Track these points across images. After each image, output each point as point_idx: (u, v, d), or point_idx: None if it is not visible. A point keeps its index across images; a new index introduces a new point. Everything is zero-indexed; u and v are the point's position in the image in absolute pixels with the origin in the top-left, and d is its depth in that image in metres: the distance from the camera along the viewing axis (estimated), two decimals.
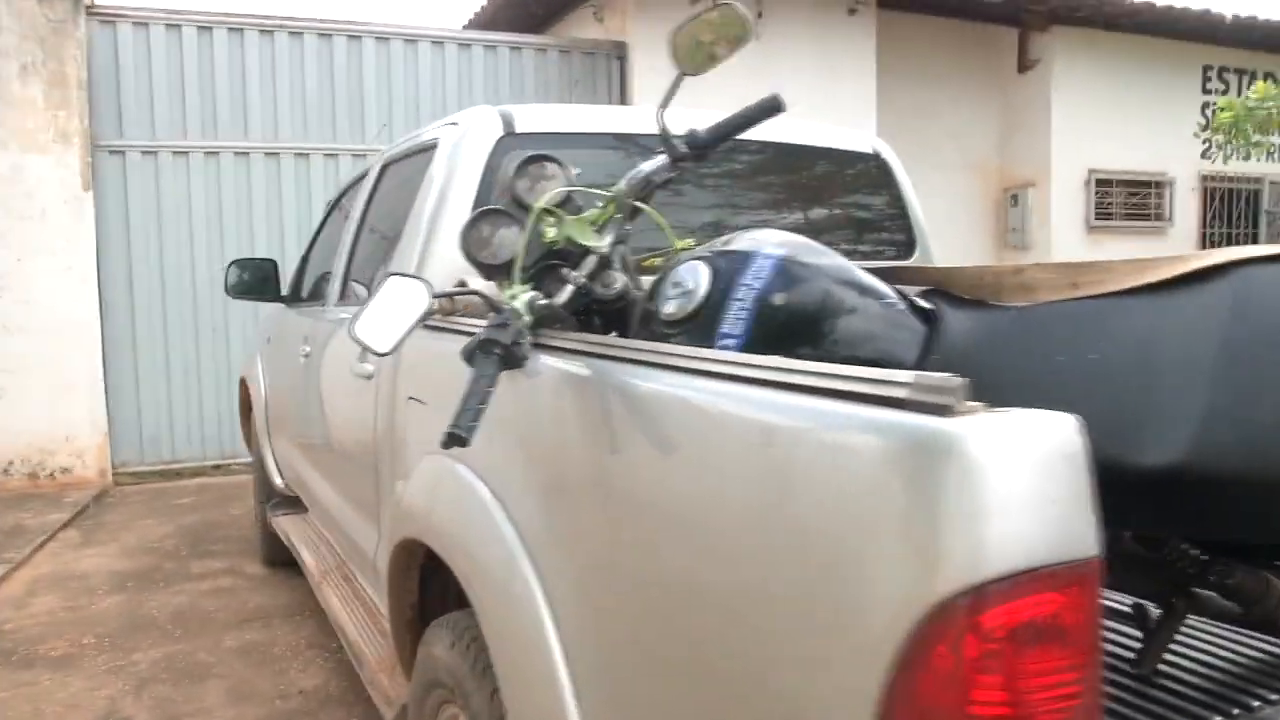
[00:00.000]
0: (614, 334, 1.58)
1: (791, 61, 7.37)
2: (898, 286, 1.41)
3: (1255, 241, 9.99)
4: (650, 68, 7.16)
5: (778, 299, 1.31)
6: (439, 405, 1.99)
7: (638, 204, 1.61)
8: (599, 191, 1.62)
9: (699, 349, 1.20)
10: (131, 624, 3.90)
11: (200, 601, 4.16)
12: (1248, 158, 7.33)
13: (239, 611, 4.05)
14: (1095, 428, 0.99)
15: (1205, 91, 9.64)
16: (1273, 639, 1.51)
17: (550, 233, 1.52)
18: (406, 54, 6.79)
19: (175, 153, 6.35)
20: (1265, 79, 9.20)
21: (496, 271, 1.54)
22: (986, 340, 1.26)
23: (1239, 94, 9.03)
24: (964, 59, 8.95)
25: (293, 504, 4.11)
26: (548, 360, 1.43)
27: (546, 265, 1.56)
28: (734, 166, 2.81)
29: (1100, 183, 9.00)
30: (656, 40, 7.17)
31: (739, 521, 1.01)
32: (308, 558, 3.48)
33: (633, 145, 2.52)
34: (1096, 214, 8.99)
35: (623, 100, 7.24)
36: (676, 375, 1.14)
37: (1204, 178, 9.53)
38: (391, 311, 1.37)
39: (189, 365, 6.49)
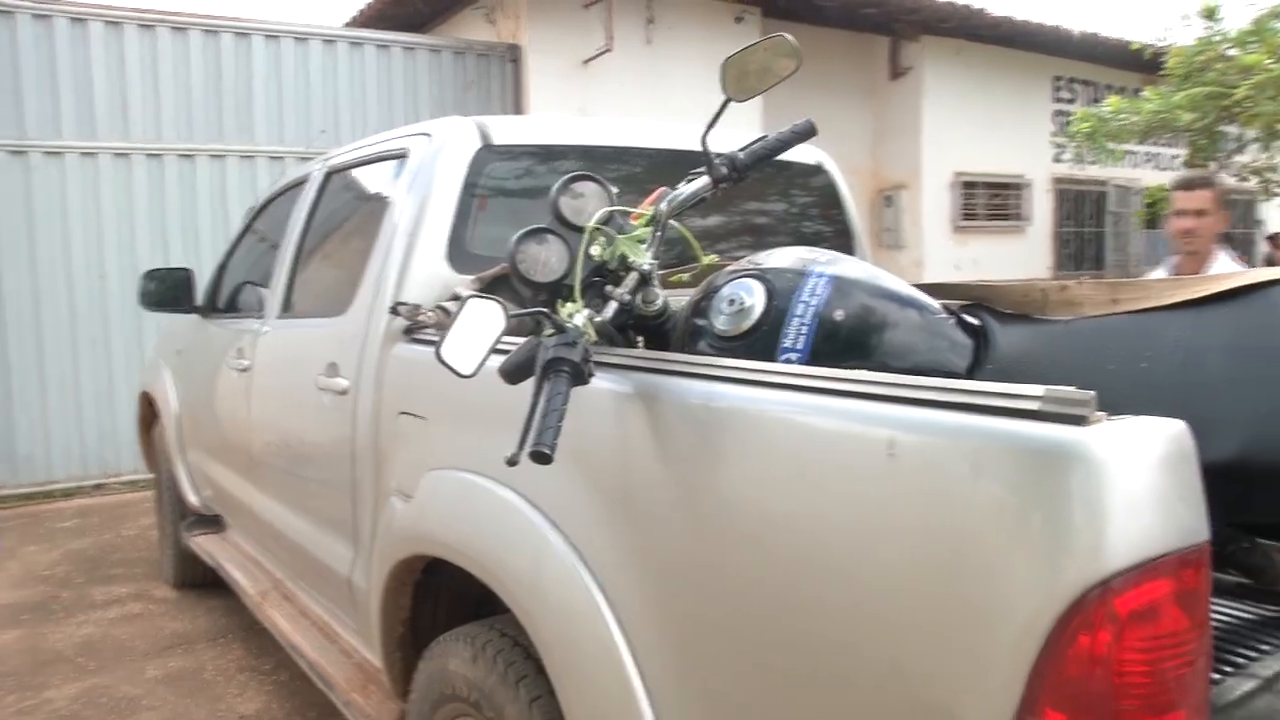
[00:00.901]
0: (652, 348, 1.63)
1: (682, 68, 7.52)
2: (943, 301, 1.52)
3: (1101, 238, 10.75)
4: (545, 71, 7.19)
5: (838, 315, 1.39)
6: (442, 419, 1.99)
7: (674, 222, 1.66)
8: (634, 210, 1.67)
9: (786, 365, 1.28)
10: (35, 660, 3.67)
11: (111, 630, 3.97)
12: (1104, 165, 7.90)
13: (157, 639, 3.88)
14: None
15: (1056, 100, 10.32)
16: (1263, 605, 1.69)
17: (599, 251, 1.56)
18: (297, 53, 6.60)
19: (47, 153, 5.99)
20: (1107, 90, 9.95)
21: (541, 290, 1.57)
22: (1039, 351, 1.38)
23: (1085, 103, 9.73)
24: (840, 66, 9.32)
25: (209, 522, 3.97)
26: (604, 377, 1.47)
27: (589, 283, 1.60)
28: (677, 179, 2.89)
29: (966, 184, 9.52)
30: (551, 44, 7.24)
31: (857, 527, 1.09)
32: (240, 578, 3.37)
33: (602, 158, 2.57)
34: (963, 214, 9.51)
35: (517, 103, 7.23)
36: (775, 391, 1.21)
37: (1056, 180, 10.20)
38: (472, 333, 1.39)
39: (66, 381, 6.14)
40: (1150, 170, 10.92)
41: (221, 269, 3.88)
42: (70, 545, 5.21)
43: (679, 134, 2.60)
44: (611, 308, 1.55)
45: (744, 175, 1.64)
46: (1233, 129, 7.59)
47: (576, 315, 1.45)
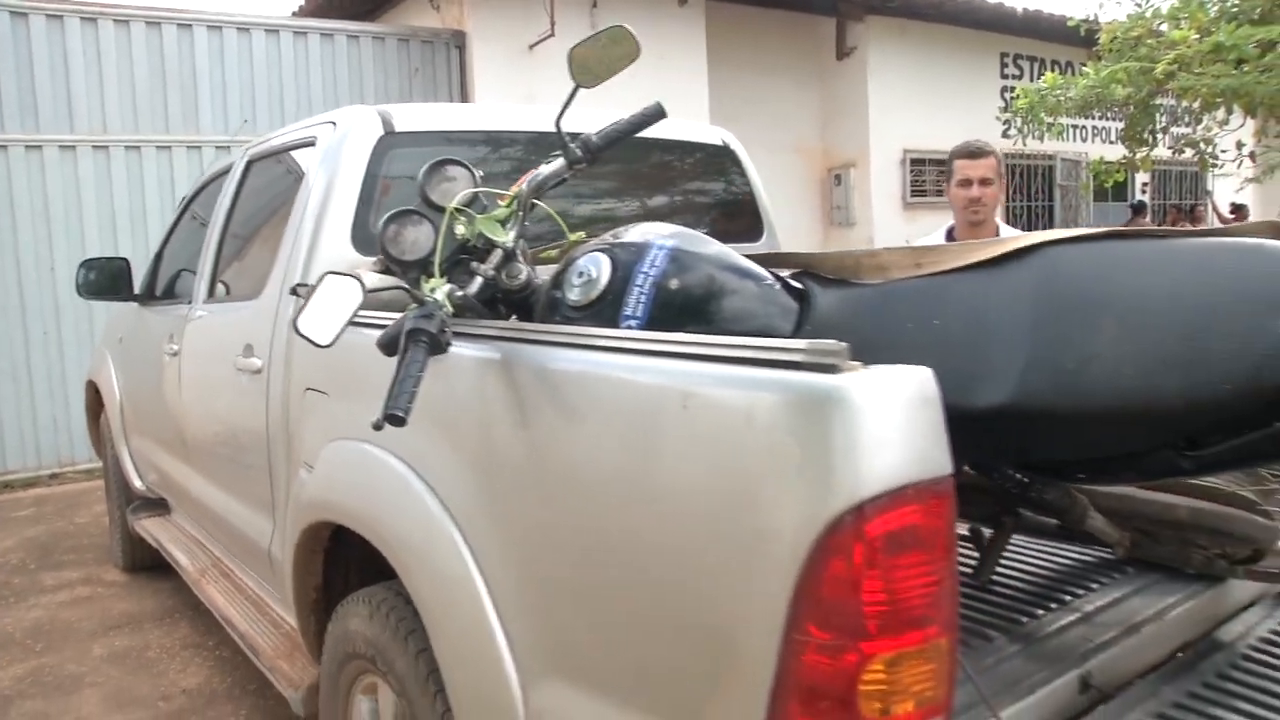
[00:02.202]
0: (516, 319, 1.74)
1: None
2: (772, 269, 1.64)
3: (1051, 211, 10.94)
4: (490, 58, 7.25)
5: (673, 284, 1.51)
6: (342, 394, 2.10)
7: (536, 201, 1.77)
8: (499, 191, 1.78)
9: (618, 330, 1.39)
10: None
11: (59, 613, 4.05)
12: (1042, 139, 8.04)
13: (104, 619, 3.96)
14: (941, 381, 1.25)
15: (1003, 77, 10.48)
16: (1080, 548, 1.83)
17: (462, 230, 1.67)
18: (240, 43, 6.63)
19: None
20: (1054, 66, 10.10)
21: (411, 267, 1.67)
22: (851, 312, 1.50)
23: (1031, 79, 9.88)
24: (787, 47, 9.42)
25: (154, 506, 4.05)
26: (466, 347, 1.58)
27: (455, 260, 1.71)
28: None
29: (914, 162, 9.66)
30: (495, 29, 7.30)
31: (663, 471, 1.21)
32: (181, 558, 3.47)
33: (505, 142, 2.67)
34: (912, 191, 9.66)
35: (463, 90, 7.29)
36: (601, 354, 1.32)
37: (1006, 155, 10.32)
38: (329, 307, 1.49)
39: (19, 371, 6.18)
40: (1098, 144, 11.11)
41: (158, 257, 3.95)
42: (25, 533, 5.28)
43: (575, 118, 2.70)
44: (477, 283, 1.66)
45: (598, 157, 1.74)
46: (1168, 102, 7.76)
47: (437, 290, 1.56)
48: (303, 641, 2.37)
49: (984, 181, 3.20)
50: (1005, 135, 10.09)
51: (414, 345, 1.44)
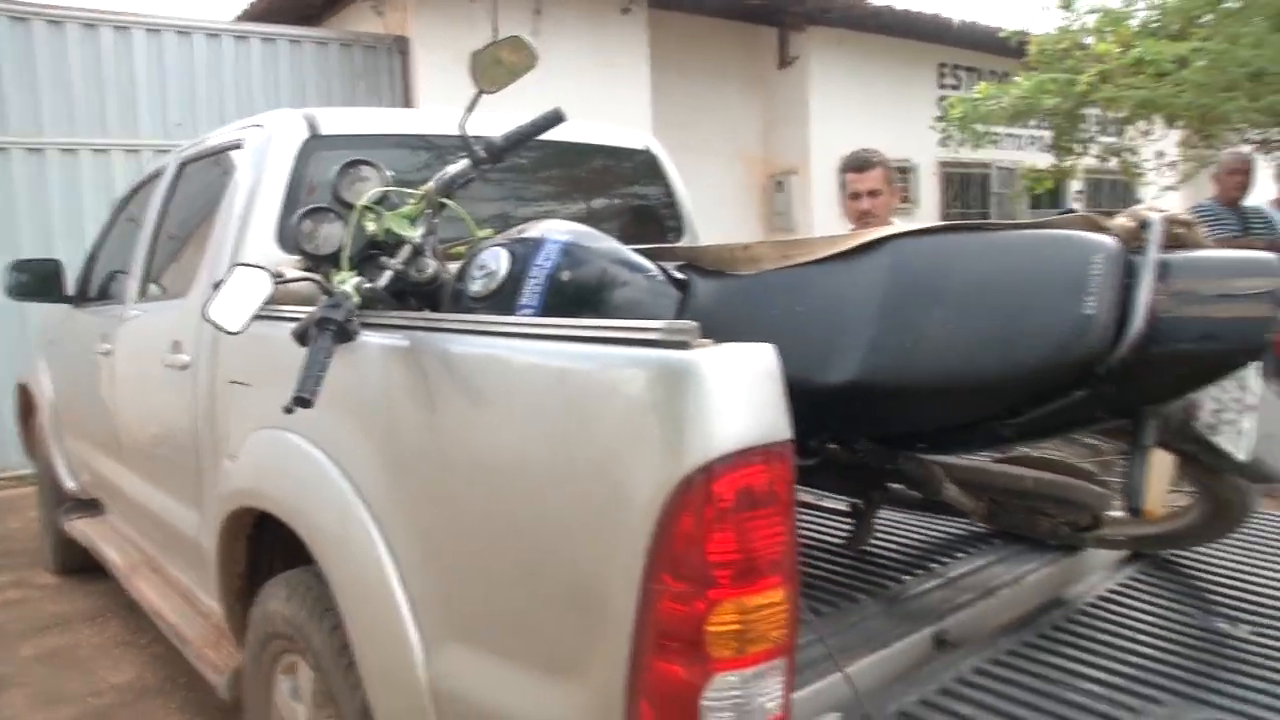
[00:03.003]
0: (427, 311, 1.85)
1: (571, 59, 7.71)
2: (659, 263, 1.77)
3: (987, 219, 11.23)
4: (433, 63, 7.32)
5: (565, 275, 1.63)
6: (263, 385, 2.19)
7: (444, 200, 1.88)
8: (410, 190, 1.88)
9: (503, 316, 1.51)
10: None
11: None
12: (977, 147, 8.28)
13: (34, 620, 3.97)
14: (800, 360, 1.38)
15: (940, 86, 10.75)
16: (954, 522, 1.98)
17: (371, 226, 1.78)
18: (180, 46, 6.64)
19: None
20: (989, 76, 10.38)
21: (323, 261, 1.77)
22: (725, 300, 1.64)
23: (968, 89, 10.14)
24: (730, 56, 9.60)
25: (86, 507, 4.08)
26: (373, 336, 1.69)
27: (366, 255, 1.81)
28: (524, 164, 3.10)
29: None
30: (438, 36, 7.39)
31: (543, 443, 1.33)
32: (114, 555, 3.51)
33: (431, 145, 2.77)
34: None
35: (406, 95, 7.36)
36: (487, 337, 1.44)
37: (942, 164, 10.63)
38: (239, 297, 1.59)
39: None
40: (1034, 152, 11.42)
41: (91, 258, 3.99)
42: None
43: (497, 122, 2.81)
44: (386, 276, 1.76)
45: (501, 158, 1.86)
46: (1094, 112, 8.05)
47: (346, 282, 1.66)
48: (228, 627, 2.44)
49: (873, 193, 3.28)
50: (943, 144, 10.37)
51: (322, 333, 1.54)
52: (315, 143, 2.56)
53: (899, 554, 1.89)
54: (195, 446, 2.54)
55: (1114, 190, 13.26)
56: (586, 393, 1.27)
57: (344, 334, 1.57)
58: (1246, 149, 7.67)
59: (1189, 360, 1.28)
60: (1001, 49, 9.29)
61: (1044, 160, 9.12)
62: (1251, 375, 1.43)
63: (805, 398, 1.41)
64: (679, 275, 1.74)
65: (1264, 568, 1.86)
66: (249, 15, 8.12)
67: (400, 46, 7.41)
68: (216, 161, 2.86)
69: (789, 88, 9.77)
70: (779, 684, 1.22)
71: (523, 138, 1.89)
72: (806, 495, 2.03)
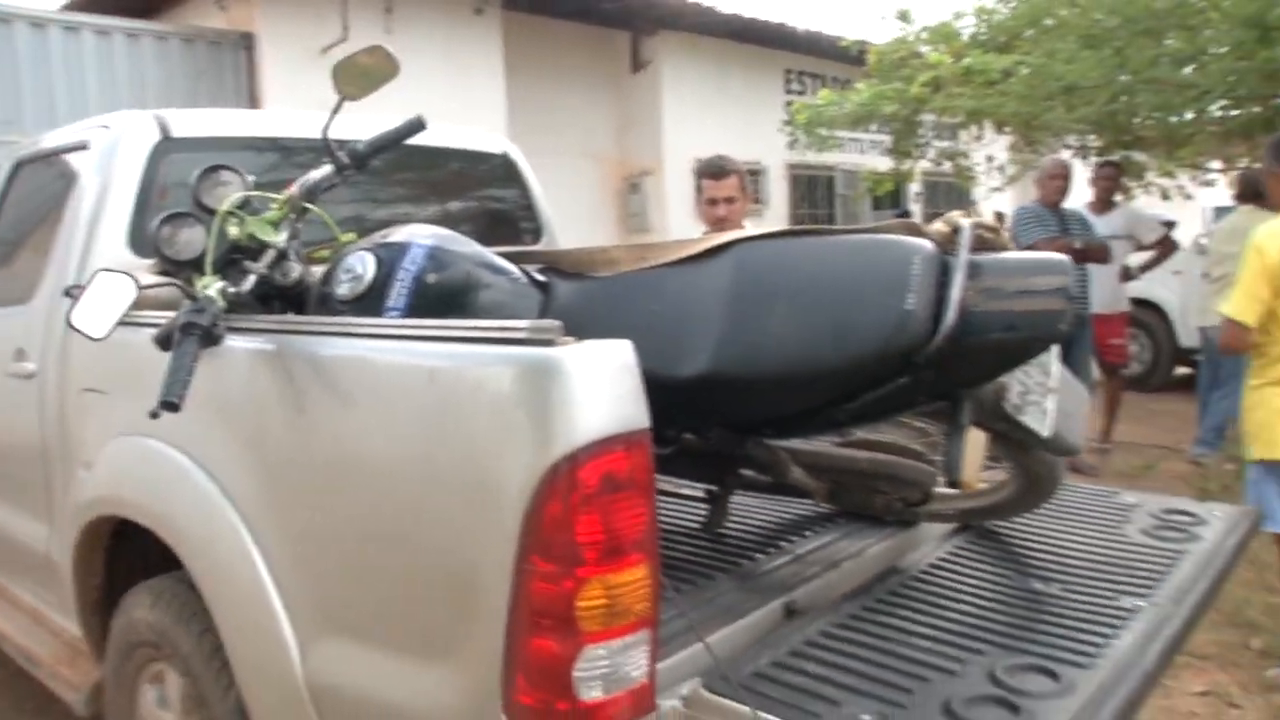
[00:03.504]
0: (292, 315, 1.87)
1: (423, 59, 7.65)
2: (521, 265, 1.86)
3: (832, 219, 11.71)
4: (280, 61, 7.15)
5: (430, 278, 1.69)
6: (121, 392, 2.15)
7: (308, 205, 1.91)
8: (273, 195, 1.90)
9: (374, 319, 1.56)
10: None
11: None
12: (821, 151, 8.65)
13: None
14: (656, 355, 1.49)
15: (788, 92, 11.16)
16: (793, 500, 2.14)
17: (234, 231, 1.79)
18: (1, 37, 6.26)
19: None
20: (833, 83, 10.84)
21: (185, 266, 1.78)
22: (585, 301, 1.73)
23: (813, 95, 10.56)
24: (585, 59, 9.72)
25: None
26: (239, 340, 1.70)
27: (229, 259, 1.82)
28: (381, 169, 3.12)
29: None
30: (286, 32, 7.22)
31: (414, 438, 1.39)
32: None
33: (285, 149, 2.76)
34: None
35: (252, 94, 7.16)
36: (355, 339, 1.49)
37: (790, 166, 11.02)
38: (102, 302, 1.58)
39: None
40: (875, 155, 11.97)
41: None
42: None
43: (353, 125, 2.83)
44: (251, 280, 1.78)
45: (364, 164, 1.90)
46: (930, 118, 8.53)
47: (210, 287, 1.68)
48: (86, 642, 2.39)
49: (728, 200, 3.39)
50: (790, 147, 10.77)
51: (187, 338, 1.56)
52: (167, 145, 2.53)
53: (752, 535, 2.04)
54: (44, 457, 2.46)
55: (950, 192, 14.02)
56: (456, 390, 1.35)
57: (209, 338, 1.59)
58: (1066, 155, 8.30)
59: (996, 348, 1.45)
60: (844, 57, 9.74)
61: (884, 164, 9.59)
62: (1052, 362, 1.63)
63: (661, 390, 1.52)
64: (540, 278, 1.83)
65: (1072, 533, 2.08)
66: (75, 5, 7.71)
67: (246, 43, 7.21)
68: (58, 163, 2.77)
69: (642, 91, 9.95)
70: (644, 653, 1.33)
71: (386, 144, 1.94)
72: (666, 484, 2.15)
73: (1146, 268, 6.53)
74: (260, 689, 1.69)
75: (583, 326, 1.37)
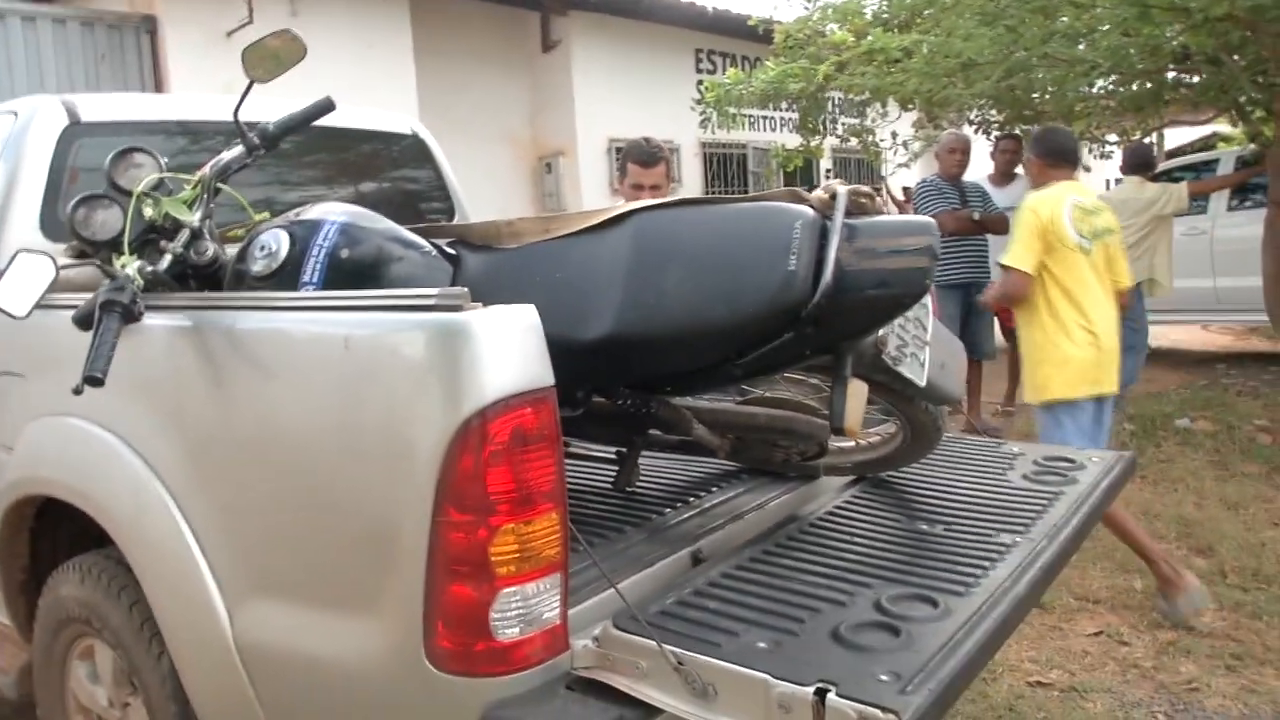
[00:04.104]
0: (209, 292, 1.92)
1: (330, 39, 7.58)
2: (432, 240, 1.94)
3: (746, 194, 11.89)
4: (184, 45, 7.02)
5: (344, 253, 1.76)
6: (39, 373, 2.18)
7: (220, 185, 1.96)
8: (186, 176, 1.95)
9: (290, 292, 1.63)
10: None
11: None
12: (730, 129, 8.78)
13: None
14: (561, 320, 1.59)
15: (699, 71, 11.27)
16: (702, 459, 2.26)
17: (149, 212, 1.84)
18: None
19: None
20: (743, 62, 11.00)
21: (102, 247, 1.82)
22: (493, 271, 1.83)
23: (722, 73, 10.70)
24: (495, 39, 9.69)
25: None
26: (158, 317, 1.75)
27: (145, 240, 1.87)
28: (290, 150, 3.14)
29: (620, 150, 10.23)
30: (190, 16, 7.10)
31: (333, 402, 1.48)
32: None
33: (193, 132, 2.78)
34: (619, 178, 10.21)
35: (156, 77, 7.02)
36: (272, 312, 1.56)
37: (703, 145, 11.16)
38: (22, 282, 1.62)
39: None
40: (786, 133, 12.18)
41: None
42: None
43: (262, 108, 2.86)
44: (167, 259, 1.83)
45: (274, 144, 1.96)
46: (838, 95, 8.73)
47: (128, 266, 1.73)
48: (13, 624, 2.40)
49: (655, 187, 3.47)
50: (702, 125, 10.91)
51: (108, 315, 1.61)
52: (75, 130, 2.53)
53: (664, 493, 2.16)
54: None
55: (860, 168, 14.34)
56: (370, 356, 1.44)
57: (129, 315, 1.64)
58: (967, 130, 8.58)
59: (869, 304, 1.57)
60: (754, 35, 9.90)
61: (794, 140, 9.79)
62: (927, 317, 1.78)
63: (567, 353, 1.63)
64: (450, 250, 1.91)
65: (959, 480, 2.25)
66: None
67: (148, 26, 7.04)
68: None
69: (553, 71, 9.98)
70: (556, 596, 1.44)
71: (295, 125, 2.00)
72: (580, 448, 2.25)
73: None
74: (191, 653, 1.76)
75: (491, 295, 1.46)
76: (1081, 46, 6.21)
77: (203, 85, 6.86)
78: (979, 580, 1.62)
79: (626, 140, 10.25)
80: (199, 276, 1.93)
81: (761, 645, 1.41)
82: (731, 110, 8.26)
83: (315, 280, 1.75)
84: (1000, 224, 5.75)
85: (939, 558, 1.75)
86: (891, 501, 2.11)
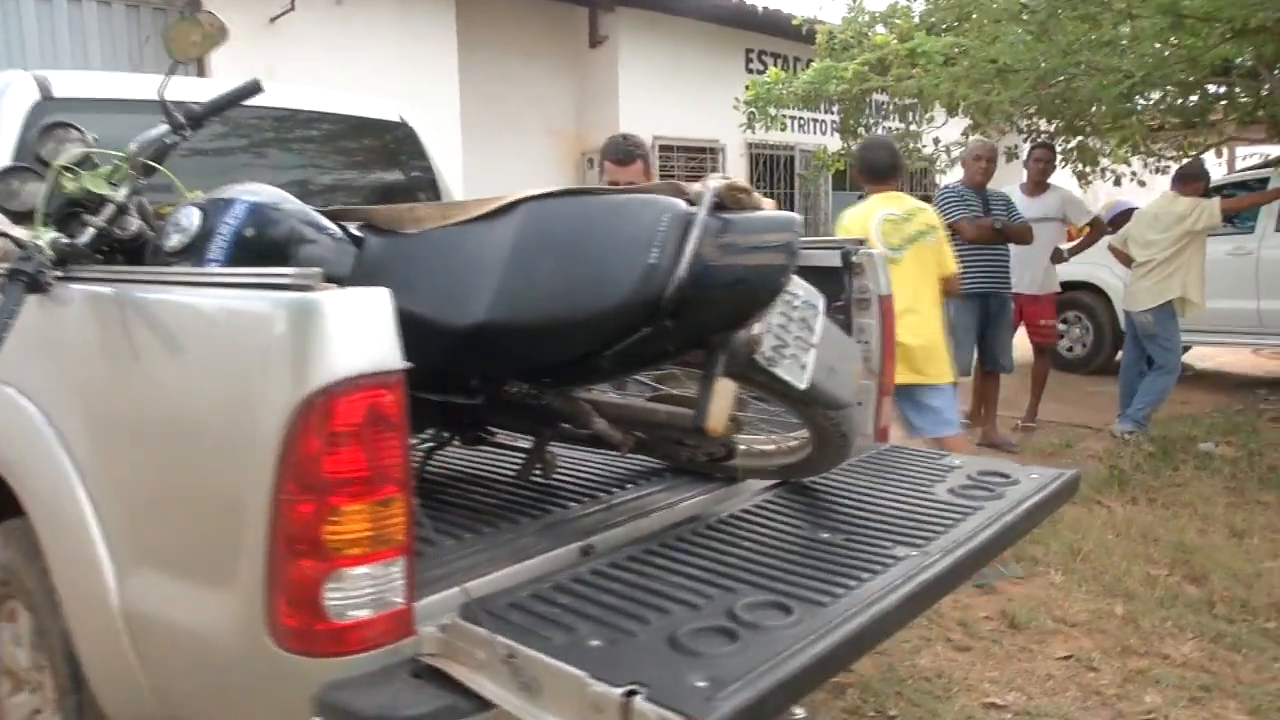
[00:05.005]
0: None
1: (373, 31, 7.70)
2: (341, 222, 1.95)
3: (791, 199, 11.80)
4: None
5: (249, 232, 1.79)
6: None
7: (150, 163, 1.99)
8: (114, 152, 1.98)
9: (166, 268, 1.67)
10: None
11: None
12: (769, 129, 8.69)
13: None
14: (446, 307, 1.59)
15: (749, 71, 11.19)
16: (641, 458, 2.24)
17: (69, 185, 1.88)
18: None
19: None
20: (795, 63, 10.90)
21: (24, 218, 1.87)
22: (391, 256, 1.84)
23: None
24: (541, 33, 9.74)
25: None
26: (74, 289, 1.79)
27: (71, 212, 1.91)
28: (279, 138, 3.19)
29: (664, 148, 10.21)
30: (234, 1, 7.20)
31: (195, 377, 1.50)
32: None
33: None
34: (661, 175, 10.19)
35: (199, 62, 7.17)
36: (155, 288, 1.59)
37: (750, 145, 11.08)
38: None
39: None
40: (835, 136, 12.04)
41: None
42: None
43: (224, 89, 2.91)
44: (89, 233, 1.87)
45: (200, 124, 1.99)
46: (883, 99, 8.60)
47: (42, 237, 1.76)
48: None
49: (630, 184, 3.38)
50: (747, 127, 10.84)
51: (12, 284, 1.65)
52: (47, 105, 2.60)
53: (576, 485, 2.15)
54: None
55: (912, 176, 14.10)
56: (229, 333, 1.46)
57: (35, 285, 1.68)
58: (1018, 139, 8.40)
59: (726, 301, 1.55)
60: (807, 37, 9.82)
61: (839, 144, 9.67)
62: (816, 318, 1.73)
63: (450, 339, 1.63)
64: (357, 234, 1.93)
65: (881, 490, 2.18)
66: None
67: (193, 10, 7.18)
68: None
69: (600, 67, 9.99)
70: (401, 580, 1.43)
71: (221, 106, 2.03)
72: (506, 438, 2.25)
73: (1075, 250, 6.65)
74: (81, 616, 1.80)
75: (389, 280, 1.46)
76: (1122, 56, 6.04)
77: (245, 71, 6.95)
78: (849, 591, 1.58)
79: (670, 138, 10.27)
80: (124, 251, 1.97)
81: (595, 643, 1.39)
82: (772, 111, 8.18)
83: (219, 258, 1.77)
84: (1023, 234, 5.60)
85: (819, 566, 1.70)
86: (802, 507, 2.06)
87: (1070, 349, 8.50)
